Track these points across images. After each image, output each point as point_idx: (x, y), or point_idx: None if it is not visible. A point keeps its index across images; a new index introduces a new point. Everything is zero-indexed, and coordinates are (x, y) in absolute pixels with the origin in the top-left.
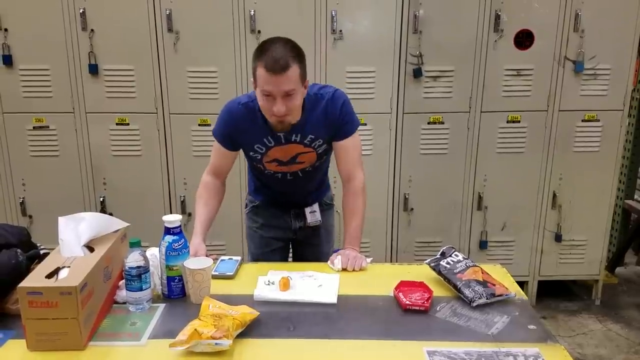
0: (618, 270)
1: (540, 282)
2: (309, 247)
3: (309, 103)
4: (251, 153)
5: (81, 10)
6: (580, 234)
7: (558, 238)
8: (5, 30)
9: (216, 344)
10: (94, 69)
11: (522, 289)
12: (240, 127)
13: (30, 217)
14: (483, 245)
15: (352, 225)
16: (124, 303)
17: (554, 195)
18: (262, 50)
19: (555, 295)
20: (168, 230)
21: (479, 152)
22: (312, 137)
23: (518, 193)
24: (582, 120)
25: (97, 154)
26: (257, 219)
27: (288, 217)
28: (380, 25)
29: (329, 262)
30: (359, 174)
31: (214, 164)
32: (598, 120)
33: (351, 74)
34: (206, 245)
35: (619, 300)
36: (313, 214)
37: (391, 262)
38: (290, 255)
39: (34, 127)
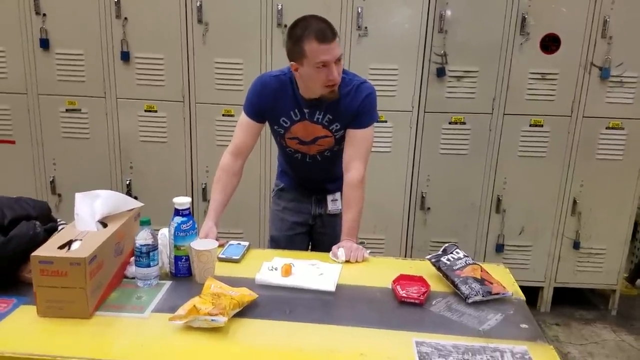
0: (638, 282)
1: (556, 289)
2: (327, 236)
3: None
4: (276, 127)
5: None
6: (599, 243)
7: (576, 245)
8: (44, 15)
9: (212, 320)
10: (125, 56)
11: (538, 294)
12: (271, 98)
13: (59, 195)
14: (499, 248)
15: (348, 218)
16: (133, 278)
17: (574, 202)
18: (304, 27)
19: (572, 302)
20: (177, 212)
21: (499, 154)
22: (330, 117)
23: (538, 198)
24: (607, 128)
25: (126, 138)
26: (280, 202)
27: (309, 203)
28: (406, 24)
29: (330, 254)
30: (358, 166)
31: (237, 142)
32: (623, 129)
33: (374, 71)
34: (224, 232)
35: (636, 311)
36: (334, 202)
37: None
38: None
39: (66, 110)
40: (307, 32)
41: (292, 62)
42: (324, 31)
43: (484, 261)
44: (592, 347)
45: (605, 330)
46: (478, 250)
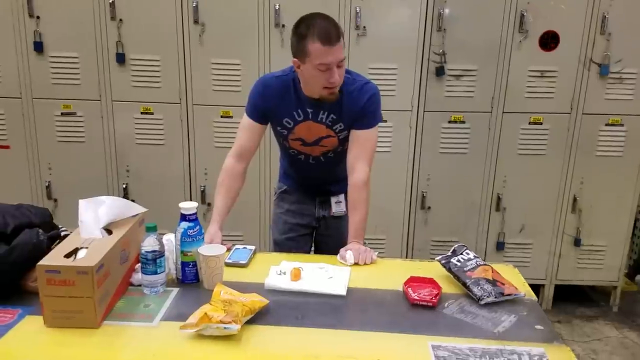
0: (638, 278)
1: (557, 287)
2: (331, 238)
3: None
4: (279, 128)
5: (111, 0)
6: (599, 240)
7: (577, 242)
8: (38, 17)
9: (225, 328)
10: (121, 58)
11: (539, 292)
12: (273, 99)
13: (56, 200)
14: (500, 246)
15: (355, 219)
16: (139, 285)
17: (575, 199)
18: (309, 26)
19: (572, 300)
20: (184, 217)
21: (499, 152)
22: (334, 117)
23: (538, 195)
24: (606, 124)
25: (122, 141)
26: (283, 204)
27: (313, 205)
28: (405, 23)
29: (338, 257)
30: (362, 167)
31: (240, 144)
32: (622, 125)
33: (373, 71)
34: (224, 235)
35: (638, 308)
36: (338, 204)
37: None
38: (312, 249)
39: (61, 113)
40: (311, 31)
41: (294, 59)
42: (329, 33)
43: (484, 259)
44: (595, 344)
45: (608, 327)
46: (479, 248)
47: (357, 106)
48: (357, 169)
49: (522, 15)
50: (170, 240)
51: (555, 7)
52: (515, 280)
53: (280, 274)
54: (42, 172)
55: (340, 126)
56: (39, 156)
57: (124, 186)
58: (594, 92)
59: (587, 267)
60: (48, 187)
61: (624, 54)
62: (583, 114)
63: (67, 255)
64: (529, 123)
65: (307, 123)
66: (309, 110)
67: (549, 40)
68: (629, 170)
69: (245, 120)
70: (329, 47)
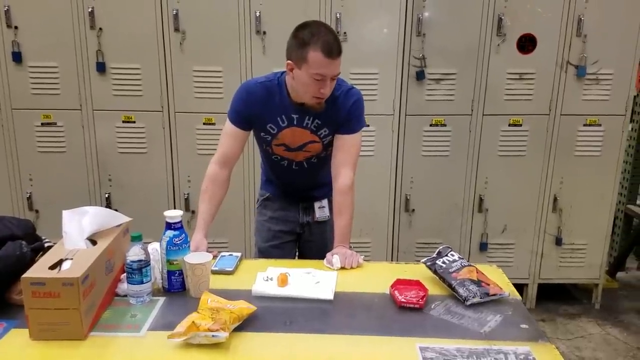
0: (619, 275)
1: (540, 285)
2: (315, 244)
3: None
4: (262, 134)
5: (90, 9)
6: (580, 238)
7: (558, 241)
8: (16, 27)
9: (213, 336)
10: (101, 67)
11: (522, 291)
12: (256, 106)
13: (37, 211)
14: (483, 247)
15: (340, 224)
16: (125, 296)
17: (555, 199)
18: (313, 34)
19: (555, 298)
20: (169, 226)
21: (480, 154)
22: (319, 122)
23: (519, 196)
24: (584, 125)
25: (103, 150)
26: (266, 211)
27: (296, 211)
28: (384, 28)
29: (325, 261)
30: (347, 172)
31: (223, 151)
32: (600, 125)
33: (355, 76)
34: (209, 242)
35: (619, 304)
36: (322, 209)
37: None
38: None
39: (41, 124)
40: (315, 39)
41: (288, 61)
42: (332, 46)
43: (468, 260)
44: (578, 341)
45: (590, 324)
46: (462, 250)
47: (342, 111)
48: (342, 174)
49: (500, 19)
50: (155, 249)
51: (532, 10)
52: (500, 280)
53: (267, 280)
54: (23, 183)
55: (325, 131)
56: (19, 167)
57: (107, 195)
58: (572, 93)
59: (569, 265)
60: (29, 198)
61: (600, 55)
62: (561, 115)
63: (52, 267)
64: (509, 125)
65: (291, 129)
66: (294, 116)
67: (527, 43)
68: (607, 169)
69: (228, 126)
70: (330, 60)
